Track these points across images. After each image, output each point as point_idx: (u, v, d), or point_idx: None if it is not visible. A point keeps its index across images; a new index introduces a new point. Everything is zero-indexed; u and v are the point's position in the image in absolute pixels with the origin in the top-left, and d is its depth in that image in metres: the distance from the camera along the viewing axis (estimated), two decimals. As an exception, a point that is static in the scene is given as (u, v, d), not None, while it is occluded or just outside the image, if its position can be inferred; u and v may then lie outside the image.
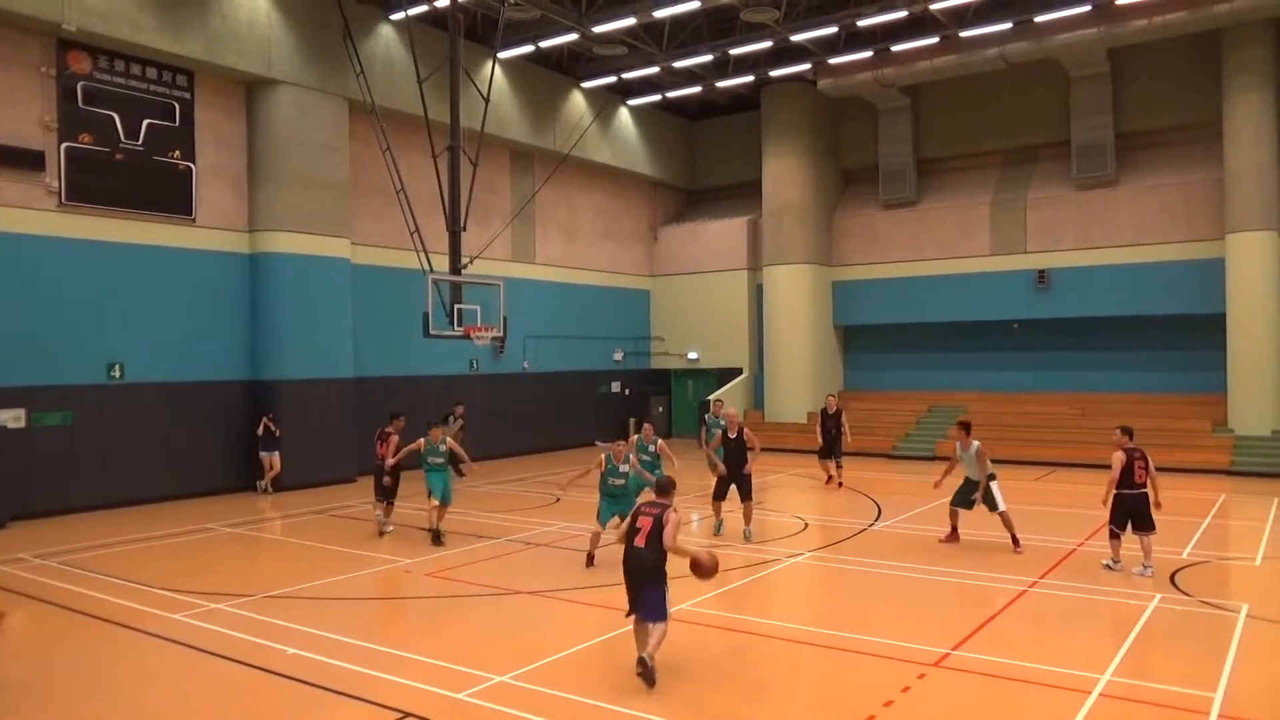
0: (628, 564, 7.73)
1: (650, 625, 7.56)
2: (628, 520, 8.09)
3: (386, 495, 14.12)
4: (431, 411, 18.26)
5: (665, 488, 8.14)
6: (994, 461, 12.74)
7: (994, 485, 12.28)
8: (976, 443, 12.39)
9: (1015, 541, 12.27)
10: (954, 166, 26.68)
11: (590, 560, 11.63)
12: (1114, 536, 11.11)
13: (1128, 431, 11.05)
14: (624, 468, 11.65)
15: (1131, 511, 10.87)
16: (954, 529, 12.89)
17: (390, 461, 13.89)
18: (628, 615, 7.71)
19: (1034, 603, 9.87)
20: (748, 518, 13.43)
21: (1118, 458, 10.88)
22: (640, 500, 9.02)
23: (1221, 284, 21.41)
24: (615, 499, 11.60)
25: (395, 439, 14.14)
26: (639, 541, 7.67)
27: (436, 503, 13.30)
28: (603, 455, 11.78)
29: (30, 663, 8.23)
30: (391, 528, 14.21)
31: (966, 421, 12.63)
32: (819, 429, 18.52)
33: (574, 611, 9.64)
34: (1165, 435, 21.56)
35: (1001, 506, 12.21)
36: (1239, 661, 7.81)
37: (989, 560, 11.80)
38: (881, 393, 27.44)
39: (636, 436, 14.22)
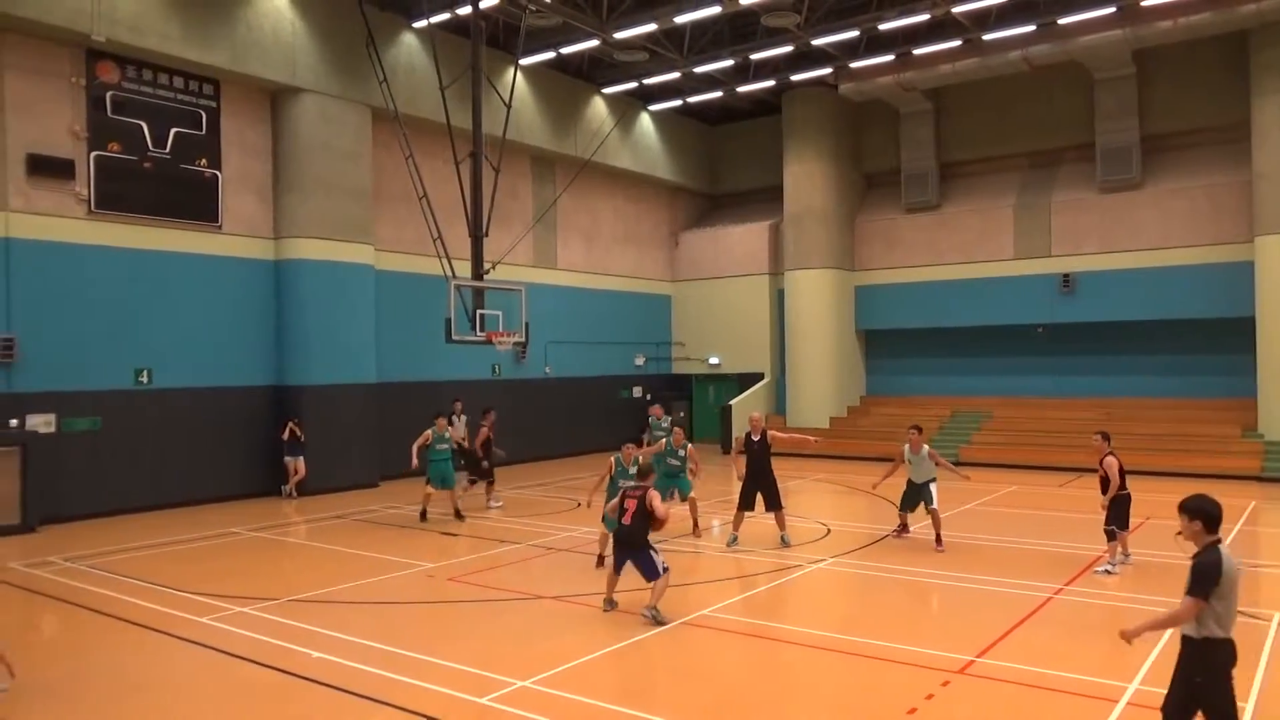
0: (618, 538, 9.62)
1: (650, 583, 9.31)
2: (616, 501, 9.81)
3: (484, 475, 16.95)
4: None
5: (645, 472, 10.06)
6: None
7: (933, 486, 13.00)
8: (928, 446, 13.11)
9: (939, 540, 12.87)
10: (977, 170, 26.52)
11: (600, 561, 11.62)
12: (1113, 538, 11.41)
13: (1108, 437, 11.71)
14: (633, 469, 11.67)
15: (1129, 510, 11.48)
16: (904, 524, 13.71)
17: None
18: (597, 562, 10.32)
19: (1059, 610, 9.78)
20: (781, 524, 13.24)
21: (1113, 464, 11.38)
22: (625, 485, 10.27)
23: (1250, 287, 21.13)
24: (623, 511, 11.43)
25: (484, 431, 16.87)
26: (626, 520, 9.42)
27: (432, 491, 15.26)
28: (612, 459, 11.97)
29: (59, 665, 8.33)
30: (499, 503, 16.99)
31: (920, 426, 13.47)
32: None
33: (596, 617, 9.64)
34: (1193, 440, 21.35)
35: (934, 504, 12.92)
36: (1271, 671, 7.70)
37: (1013, 567, 11.71)
38: (904, 397, 27.28)
39: (666, 440, 14.21)
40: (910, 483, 13.24)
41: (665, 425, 16.83)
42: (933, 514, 12.92)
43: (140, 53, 16.65)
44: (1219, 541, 5.21)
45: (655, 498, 9.44)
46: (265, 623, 9.47)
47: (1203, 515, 5.21)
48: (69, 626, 9.78)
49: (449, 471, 15.50)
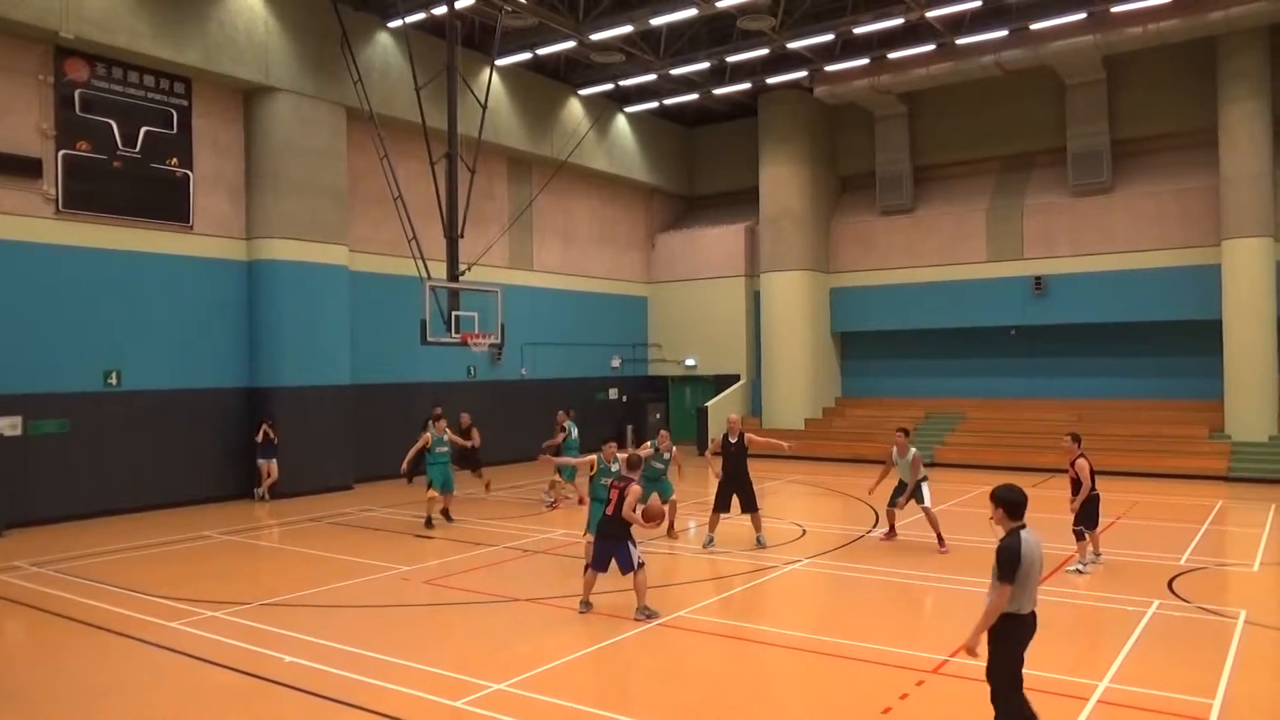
0: (600, 528, 9.66)
1: (632, 578, 9.47)
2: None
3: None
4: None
5: (633, 465, 9.95)
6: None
7: (924, 486, 13.10)
8: (914, 450, 13.12)
9: (940, 541, 12.88)
10: (951, 173, 26.75)
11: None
12: (1082, 538, 11.55)
13: (1078, 439, 11.76)
14: (615, 467, 11.36)
15: (1099, 510, 11.61)
16: (891, 527, 13.72)
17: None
18: (584, 570, 9.78)
19: (1032, 609, 9.85)
20: (758, 526, 13.32)
21: (1085, 466, 11.46)
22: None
23: (1218, 290, 21.46)
24: (606, 502, 11.02)
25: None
26: (609, 510, 9.53)
27: (435, 493, 14.93)
28: (594, 456, 11.57)
29: (25, 671, 8.20)
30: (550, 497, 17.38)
31: (906, 429, 13.52)
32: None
33: (571, 619, 9.63)
34: (1162, 441, 21.64)
35: (928, 503, 12.97)
36: (1237, 668, 7.81)
37: (986, 567, 11.71)
38: (879, 399, 27.46)
39: (652, 442, 14.14)
40: (902, 482, 13.32)
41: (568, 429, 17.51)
42: (927, 513, 12.95)
43: (110, 50, 16.43)
44: (1021, 527, 5.72)
45: (631, 497, 9.45)
46: (237, 627, 9.37)
47: (1005, 503, 5.76)
48: (35, 632, 9.62)
49: (450, 474, 15.38)
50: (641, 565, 9.49)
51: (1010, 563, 5.54)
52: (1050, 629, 9.07)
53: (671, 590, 10.77)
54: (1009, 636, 5.65)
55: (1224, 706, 6.92)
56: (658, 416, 29.18)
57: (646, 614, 9.38)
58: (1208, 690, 7.22)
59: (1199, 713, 6.81)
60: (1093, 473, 11.46)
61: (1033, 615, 5.69)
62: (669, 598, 10.30)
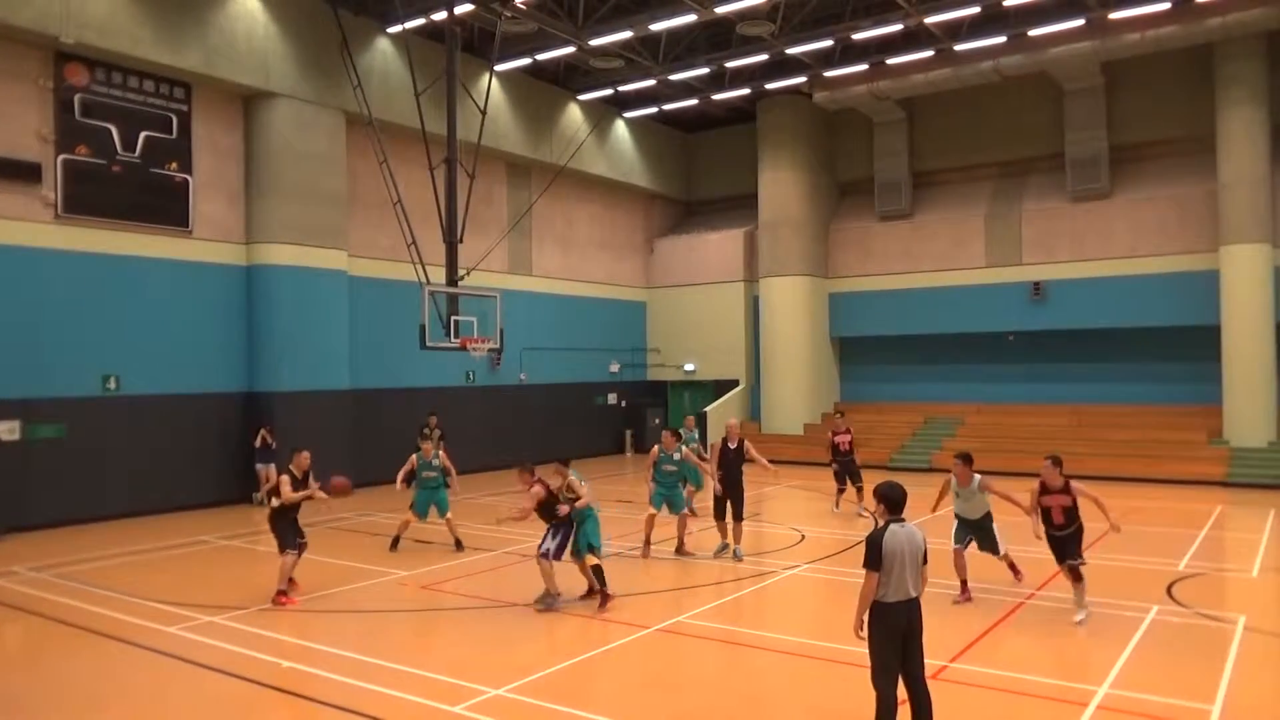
0: None
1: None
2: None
3: (854, 479, 17.18)
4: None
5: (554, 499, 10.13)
6: (991, 473, 12.45)
7: (994, 526, 10.60)
8: (979, 476, 10.38)
9: (1016, 571, 10.96)
10: (949, 179, 26.78)
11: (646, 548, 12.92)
12: (1080, 578, 9.66)
13: (1059, 462, 9.85)
14: (677, 455, 13.08)
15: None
16: (965, 585, 10.48)
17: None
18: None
19: (1031, 615, 9.86)
20: (737, 537, 12.88)
21: (1082, 486, 9.84)
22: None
23: (1216, 295, 21.48)
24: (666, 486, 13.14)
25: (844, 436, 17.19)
26: None
27: (413, 518, 13.70)
28: (656, 447, 13.22)
29: (23, 677, 8.19)
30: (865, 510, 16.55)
31: (968, 454, 10.50)
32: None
33: (571, 624, 9.62)
34: (1161, 447, 21.63)
35: (1003, 551, 10.61)
36: (1236, 673, 7.81)
37: (986, 572, 11.76)
38: (878, 404, 27.44)
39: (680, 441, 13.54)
40: (961, 520, 10.60)
41: (695, 435, 17.42)
42: (1005, 559, 10.73)
43: (110, 55, 16.46)
44: (892, 521, 6.12)
45: (527, 495, 10.11)
46: (235, 632, 9.35)
47: (884, 499, 6.21)
48: (31, 637, 9.61)
49: (440, 498, 13.88)
50: (545, 554, 9.98)
51: (872, 552, 6.04)
52: (1050, 634, 9.11)
53: (669, 595, 10.77)
54: (876, 621, 6.10)
55: (1223, 712, 6.91)
56: (657, 421, 29.14)
57: (544, 604, 9.99)
58: (1207, 696, 7.22)
59: (1198, 718, 6.80)
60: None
61: (905, 604, 6.10)
62: (666, 603, 10.29)
